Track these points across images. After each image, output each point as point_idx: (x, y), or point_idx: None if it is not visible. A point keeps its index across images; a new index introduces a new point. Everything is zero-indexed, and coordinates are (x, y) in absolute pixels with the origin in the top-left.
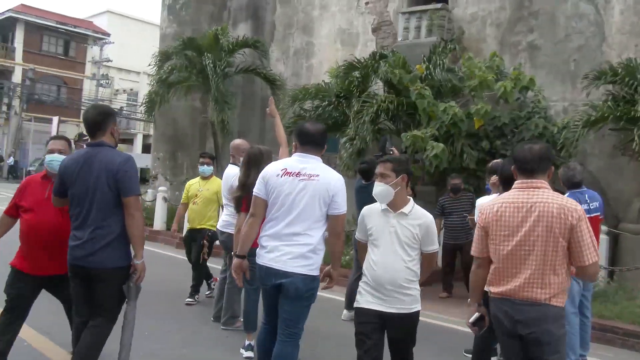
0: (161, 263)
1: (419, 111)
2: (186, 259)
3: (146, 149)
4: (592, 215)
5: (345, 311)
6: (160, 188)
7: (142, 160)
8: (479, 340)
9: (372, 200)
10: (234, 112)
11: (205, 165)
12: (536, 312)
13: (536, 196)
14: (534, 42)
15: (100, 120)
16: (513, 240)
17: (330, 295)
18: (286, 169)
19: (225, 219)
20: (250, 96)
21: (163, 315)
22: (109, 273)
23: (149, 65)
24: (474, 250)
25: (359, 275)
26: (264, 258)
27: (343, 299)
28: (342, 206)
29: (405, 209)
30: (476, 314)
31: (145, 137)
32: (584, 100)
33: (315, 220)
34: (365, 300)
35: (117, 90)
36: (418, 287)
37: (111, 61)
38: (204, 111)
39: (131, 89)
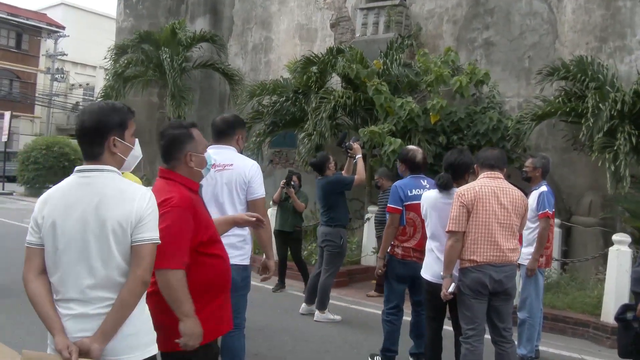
0: None
1: (376, 107)
2: None
3: None
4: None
5: (304, 305)
6: None
7: None
8: (432, 332)
9: (325, 193)
10: (192, 107)
11: None
12: (510, 270)
13: (502, 183)
14: (490, 38)
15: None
16: (493, 216)
17: (288, 290)
18: None
19: None
20: (209, 91)
21: None
22: None
23: (105, 58)
24: (454, 226)
25: (319, 271)
26: None
27: (298, 293)
28: (258, 190)
29: None
30: (454, 284)
31: None
32: (538, 96)
33: (238, 209)
34: None
35: (73, 85)
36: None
37: (66, 55)
38: (161, 106)
39: (87, 84)
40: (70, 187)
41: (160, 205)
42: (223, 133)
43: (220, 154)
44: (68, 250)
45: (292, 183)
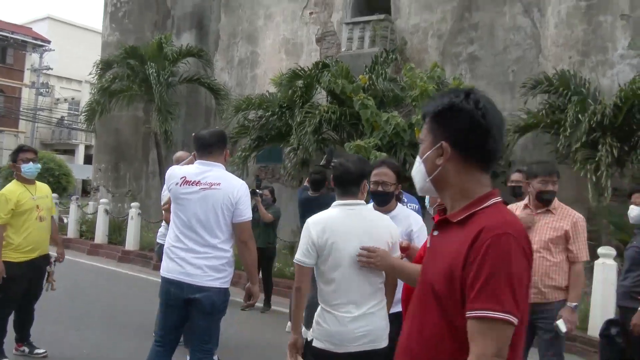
0: (103, 277)
1: (362, 121)
2: (122, 273)
3: (88, 159)
4: None
5: (289, 322)
6: (101, 200)
7: (84, 172)
8: None
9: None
10: (178, 122)
11: (31, 163)
12: None
13: None
14: (474, 53)
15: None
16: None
17: (274, 308)
18: (185, 177)
19: (162, 230)
20: (195, 106)
21: (105, 330)
22: None
23: (90, 73)
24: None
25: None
26: (173, 271)
27: (284, 310)
28: (244, 213)
29: None
30: None
31: (88, 147)
32: (522, 108)
33: (223, 230)
34: None
35: (58, 99)
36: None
37: (51, 69)
38: (147, 121)
39: (72, 98)
40: (344, 217)
41: None
42: (212, 147)
43: (208, 172)
44: (352, 265)
45: (258, 191)
